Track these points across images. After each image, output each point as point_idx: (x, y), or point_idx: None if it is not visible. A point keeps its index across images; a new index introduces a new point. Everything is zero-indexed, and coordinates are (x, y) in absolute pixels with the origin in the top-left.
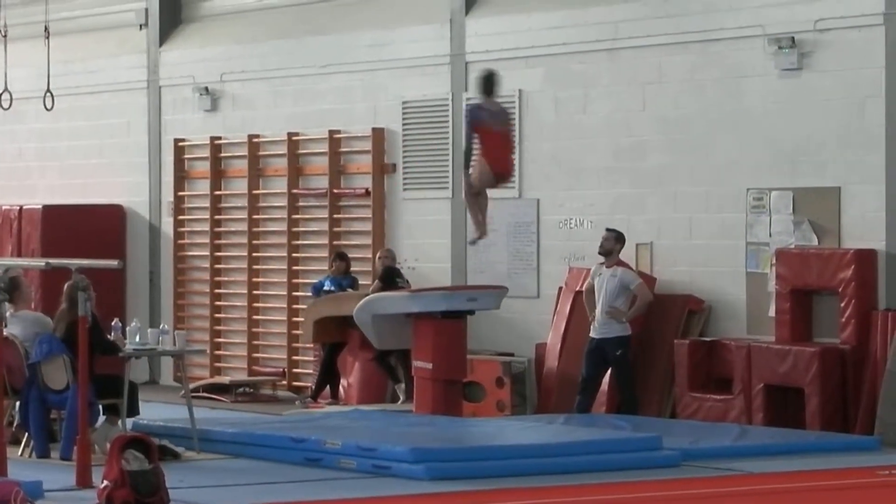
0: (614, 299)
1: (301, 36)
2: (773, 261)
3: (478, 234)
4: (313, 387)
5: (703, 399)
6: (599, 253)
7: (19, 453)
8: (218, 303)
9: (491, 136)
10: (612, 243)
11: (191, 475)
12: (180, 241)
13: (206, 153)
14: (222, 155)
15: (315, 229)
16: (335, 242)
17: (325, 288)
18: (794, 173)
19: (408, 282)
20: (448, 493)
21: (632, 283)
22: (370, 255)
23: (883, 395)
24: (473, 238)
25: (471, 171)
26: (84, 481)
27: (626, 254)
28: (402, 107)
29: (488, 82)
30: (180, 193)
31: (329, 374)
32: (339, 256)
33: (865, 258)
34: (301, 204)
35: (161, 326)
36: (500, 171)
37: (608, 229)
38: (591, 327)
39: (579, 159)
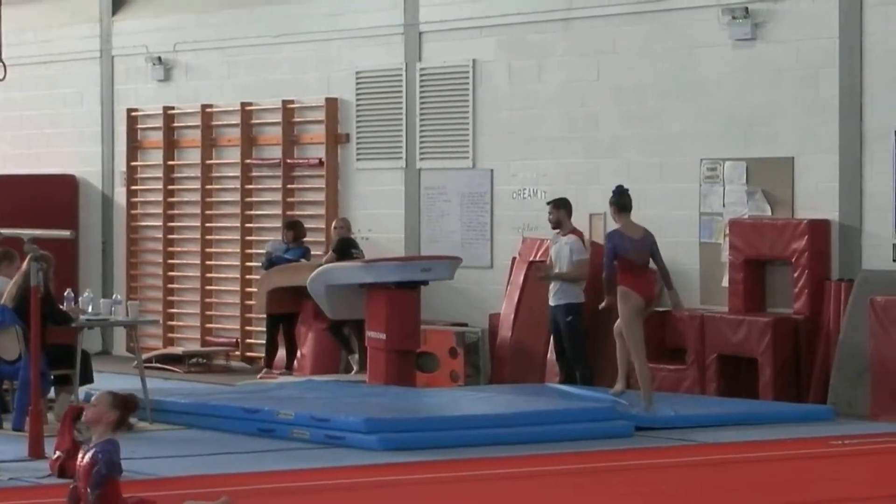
0: (566, 266)
1: (254, 5)
2: (727, 231)
3: (621, 387)
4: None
5: (657, 369)
6: (554, 226)
7: None
8: (171, 273)
9: (635, 268)
10: (557, 213)
11: (143, 446)
12: (133, 212)
13: (160, 123)
14: (175, 125)
15: (268, 199)
16: (288, 213)
17: (276, 255)
18: (748, 143)
19: (362, 252)
20: (401, 464)
21: (575, 255)
22: (324, 226)
23: (836, 366)
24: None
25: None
26: (36, 452)
27: (581, 224)
28: (356, 77)
29: (623, 197)
30: (133, 163)
31: (273, 344)
32: (289, 225)
33: (819, 229)
34: (254, 174)
35: (114, 297)
36: (650, 299)
37: (550, 202)
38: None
39: (533, 129)
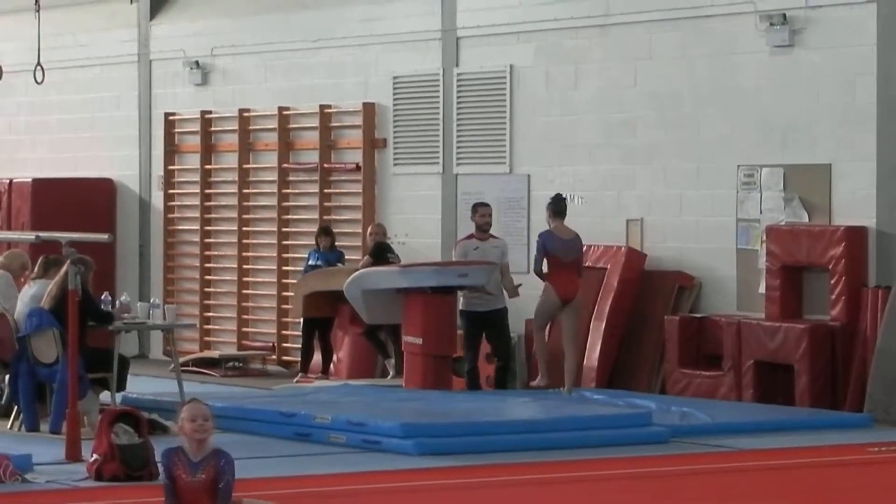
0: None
1: (292, 10)
2: (764, 237)
3: (544, 382)
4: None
5: (693, 375)
6: (484, 230)
7: (9, 426)
8: (208, 277)
9: (561, 266)
10: (491, 216)
11: None
12: (170, 215)
13: (197, 127)
14: (212, 129)
15: (305, 204)
16: (325, 217)
17: (311, 263)
18: (785, 150)
19: (399, 257)
20: (438, 469)
21: (506, 257)
22: (360, 230)
23: (873, 373)
24: (538, 384)
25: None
26: (73, 455)
27: (618, 230)
28: (393, 82)
29: (559, 204)
30: (170, 167)
31: (309, 349)
32: (324, 231)
33: (856, 235)
34: (291, 178)
35: (151, 300)
36: (567, 298)
37: (483, 204)
38: (469, 302)
39: (570, 135)
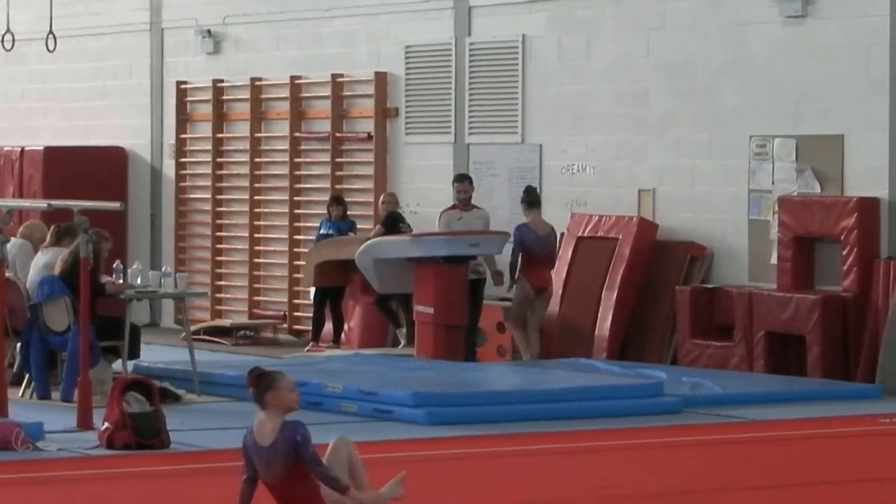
0: None
1: None
2: (776, 208)
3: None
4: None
5: (705, 346)
6: (464, 203)
7: (20, 394)
8: (219, 245)
9: (534, 258)
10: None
11: (191, 418)
12: (182, 184)
13: (209, 96)
14: (224, 98)
15: (317, 173)
16: (337, 186)
17: (322, 232)
18: (798, 121)
19: (410, 227)
20: (448, 438)
21: (487, 226)
22: (372, 200)
23: (884, 344)
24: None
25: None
26: (85, 423)
27: (630, 200)
28: (405, 51)
29: (532, 195)
30: (182, 136)
31: (320, 318)
32: (336, 200)
33: (868, 206)
34: (303, 147)
35: (163, 269)
36: (541, 287)
37: (464, 176)
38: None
39: (582, 105)
